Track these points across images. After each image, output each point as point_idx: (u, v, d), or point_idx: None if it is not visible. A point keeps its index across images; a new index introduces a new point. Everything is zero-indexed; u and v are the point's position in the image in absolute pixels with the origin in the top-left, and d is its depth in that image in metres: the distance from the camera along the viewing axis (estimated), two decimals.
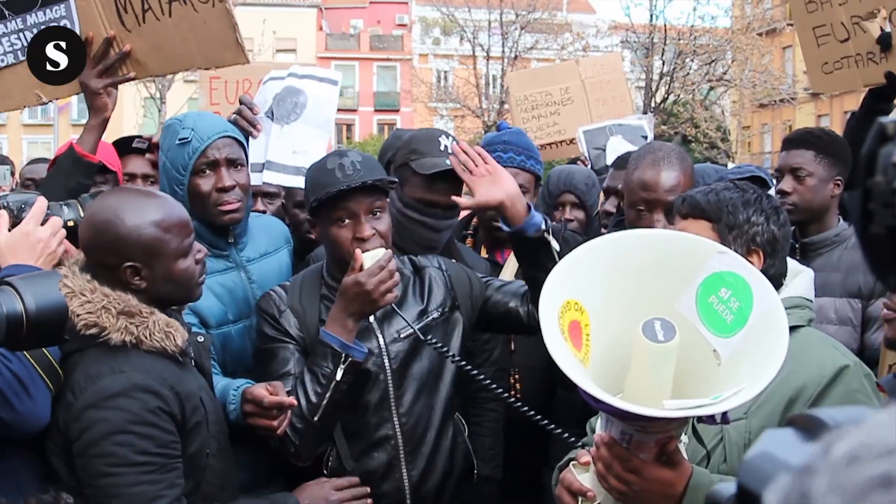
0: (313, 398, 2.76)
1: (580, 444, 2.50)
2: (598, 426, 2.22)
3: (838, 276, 3.74)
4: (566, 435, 2.57)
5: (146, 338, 2.41)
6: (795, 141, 4.09)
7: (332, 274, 2.99)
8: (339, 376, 2.75)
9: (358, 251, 2.77)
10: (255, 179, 3.26)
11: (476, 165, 2.97)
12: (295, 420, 2.77)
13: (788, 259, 2.56)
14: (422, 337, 2.93)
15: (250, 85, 4.67)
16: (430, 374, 3.00)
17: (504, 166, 3.64)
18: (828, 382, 2.27)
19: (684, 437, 2.19)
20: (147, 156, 4.18)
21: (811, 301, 2.54)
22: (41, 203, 2.37)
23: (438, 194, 3.22)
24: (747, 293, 2.02)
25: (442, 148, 3.23)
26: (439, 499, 3.00)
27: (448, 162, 3.13)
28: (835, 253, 3.84)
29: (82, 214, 2.44)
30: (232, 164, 3.09)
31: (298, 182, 3.26)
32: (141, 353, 2.42)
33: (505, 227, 2.96)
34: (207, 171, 3.06)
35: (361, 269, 2.75)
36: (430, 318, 3.01)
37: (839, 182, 3.94)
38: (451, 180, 3.15)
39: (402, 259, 3.13)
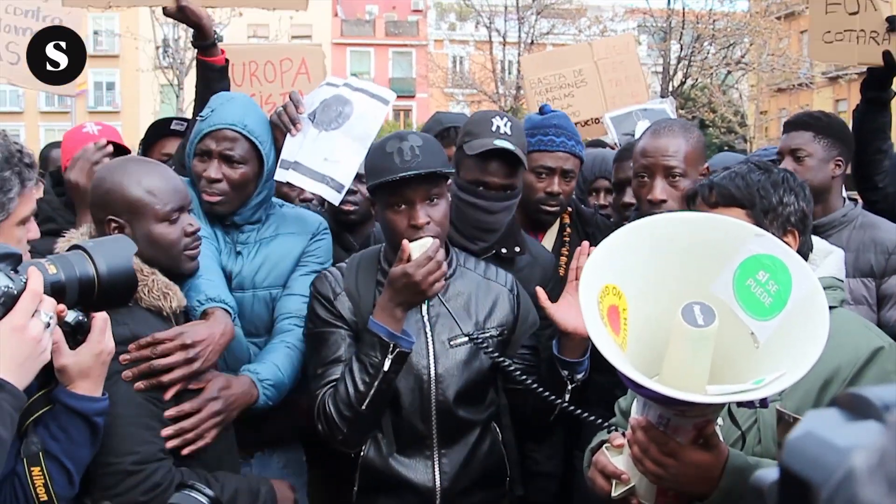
0: (361, 387, 2.76)
1: (611, 426, 2.50)
2: (634, 409, 2.21)
3: (849, 256, 3.74)
4: (599, 421, 2.57)
5: (145, 294, 2.59)
6: (794, 123, 4.14)
7: (388, 258, 2.98)
8: (387, 366, 2.74)
9: (405, 241, 2.75)
10: (281, 176, 3.26)
11: (577, 277, 2.89)
12: (343, 408, 2.78)
13: (819, 239, 2.54)
14: (477, 342, 2.92)
15: (256, 67, 4.64)
16: (476, 384, 2.98)
17: (555, 151, 3.66)
18: (863, 364, 2.26)
19: (719, 420, 2.19)
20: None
21: (842, 281, 2.51)
22: (104, 319, 2.24)
23: (490, 175, 3.21)
24: (786, 276, 2.01)
25: (494, 129, 3.22)
26: (467, 501, 2.98)
27: (497, 143, 3.13)
28: (843, 234, 3.86)
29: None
30: (226, 159, 3.19)
31: (319, 190, 3.24)
32: (141, 308, 2.59)
33: (555, 350, 2.92)
34: (204, 157, 3.23)
35: (409, 259, 2.74)
36: (487, 333, 2.98)
37: (840, 163, 3.98)
38: (504, 161, 3.15)
39: (475, 263, 3.13)
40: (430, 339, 2.95)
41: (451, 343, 2.95)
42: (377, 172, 2.86)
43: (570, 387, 2.90)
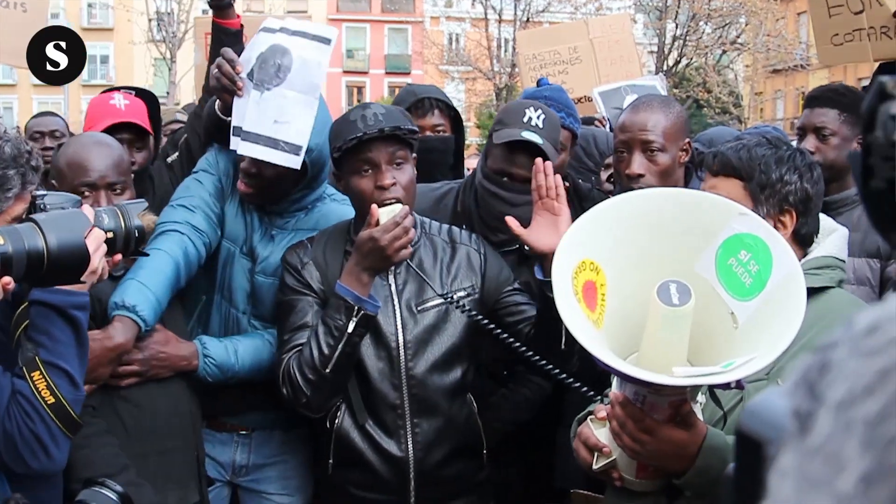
0: (325, 350, 2.77)
1: (599, 397, 2.49)
2: (614, 384, 2.21)
3: (858, 235, 3.69)
4: (584, 389, 2.55)
5: None
6: (820, 99, 4.00)
7: (358, 229, 2.96)
8: (350, 328, 2.76)
9: (374, 206, 2.76)
10: (234, 145, 3.09)
11: (548, 196, 2.90)
12: (307, 371, 2.79)
13: (824, 217, 2.50)
14: (450, 300, 2.91)
15: (245, 39, 4.61)
16: (447, 349, 2.98)
17: None
18: None
19: (701, 398, 2.18)
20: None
21: (843, 261, 2.47)
22: (89, 213, 2.25)
23: (516, 166, 3.18)
24: (767, 257, 2.00)
25: (525, 119, 3.17)
26: (443, 472, 2.98)
27: (525, 135, 3.10)
28: (854, 212, 3.79)
29: (123, 225, 2.35)
30: (253, 160, 3.08)
31: (272, 156, 3.02)
32: None
33: (538, 274, 2.88)
34: None
35: (377, 223, 2.75)
36: (454, 294, 2.97)
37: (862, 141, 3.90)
38: (531, 153, 3.10)
39: (439, 227, 3.13)
40: (397, 307, 2.96)
41: (419, 308, 2.96)
42: (341, 138, 2.86)
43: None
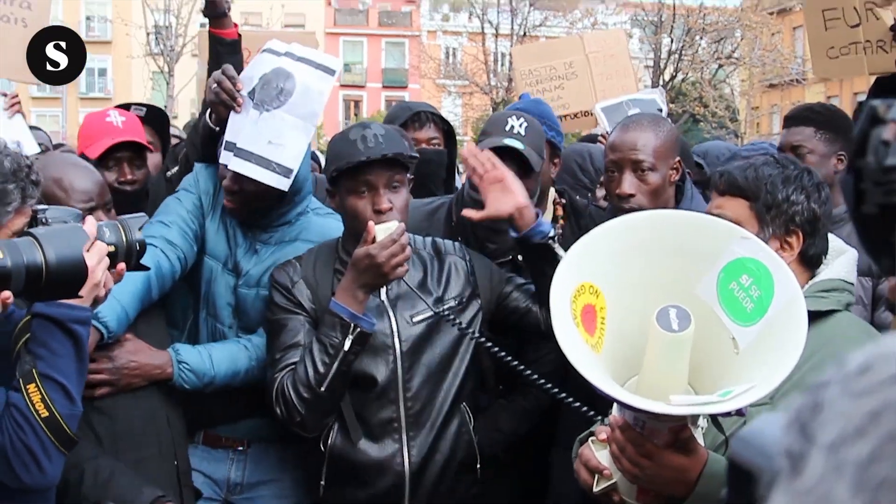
0: (321, 368, 2.77)
1: (599, 417, 2.47)
2: (615, 407, 2.19)
3: None
4: (585, 409, 2.53)
5: None
6: (795, 118, 4.06)
7: (347, 247, 2.99)
8: (347, 346, 2.75)
9: (371, 223, 2.77)
10: (224, 159, 3.11)
11: (486, 170, 2.97)
12: (302, 389, 2.79)
13: (834, 238, 2.47)
14: (443, 315, 2.93)
15: (249, 54, 4.57)
16: (442, 361, 2.99)
17: None
18: None
19: (703, 422, 2.17)
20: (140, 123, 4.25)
21: (852, 284, 2.43)
22: (91, 226, 2.25)
23: None
24: (769, 282, 1.99)
25: (507, 128, 3.21)
26: (438, 486, 2.98)
27: (507, 142, 3.13)
28: (843, 230, 3.78)
29: (125, 239, 2.34)
30: (235, 176, 3.11)
31: (262, 175, 3.04)
32: None
33: (512, 233, 2.97)
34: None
35: (374, 241, 2.76)
36: (445, 305, 2.99)
37: (842, 157, 3.90)
38: (514, 160, 3.13)
39: (423, 241, 3.15)
40: (392, 319, 2.97)
41: (414, 320, 2.97)
42: (340, 158, 2.87)
43: (553, 244, 2.91)
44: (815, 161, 3.85)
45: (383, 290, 2.98)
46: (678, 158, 3.45)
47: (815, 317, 2.15)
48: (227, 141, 3.11)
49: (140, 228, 2.41)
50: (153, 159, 4.16)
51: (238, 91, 3.13)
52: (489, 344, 2.86)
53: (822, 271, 2.38)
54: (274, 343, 2.97)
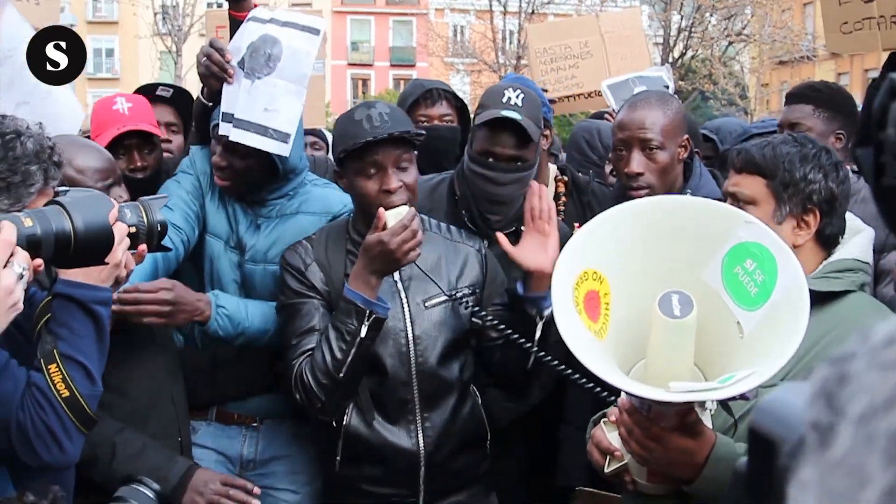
0: (338, 354, 2.78)
1: (613, 398, 2.45)
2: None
3: None
4: (598, 389, 2.54)
5: None
6: (795, 96, 4.09)
7: (357, 228, 3.00)
8: (363, 333, 2.76)
9: (381, 209, 2.77)
10: (224, 131, 3.13)
11: (540, 217, 2.94)
12: (320, 376, 2.80)
13: (851, 217, 2.45)
14: (455, 298, 2.95)
15: None
16: (454, 344, 3.00)
17: None
18: None
19: (711, 405, 2.18)
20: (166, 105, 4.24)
21: (867, 263, 2.43)
22: (113, 210, 2.24)
23: (499, 145, 3.19)
24: (772, 266, 1.99)
25: (504, 100, 3.19)
26: (451, 464, 3.01)
27: (504, 113, 3.12)
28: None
29: (146, 220, 2.34)
30: (228, 147, 3.14)
31: (261, 143, 3.08)
32: None
33: (519, 287, 2.93)
34: (217, 141, 3.21)
35: (385, 227, 2.76)
36: (459, 293, 3.00)
37: (841, 136, 3.92)
38: (513, 131, 3.14)
39: (440, 226, 3.16)
40: (405, 303, 2.98)
41: (427, 304, 2.98)
42: (347, 138, 2.88)
43: (539, 322, 2.87)
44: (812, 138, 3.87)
45: (396, 274, 2.99)
46: (686, 136, 3.45)
47: (829, 297, 2.15)
48: (224, 112, 3.14)
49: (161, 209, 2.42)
50: (177, 140, 4.17)
51: (228, 62, 3.16)
52: (502, 326, 2.87)
53: (838, 250, 2.36)
54: (289, 327, 2.97)
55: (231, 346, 3.19)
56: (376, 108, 2.90)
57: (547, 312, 2.85)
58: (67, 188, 2.28)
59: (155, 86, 4.41)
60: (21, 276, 1.95)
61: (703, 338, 1.99)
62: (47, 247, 2.05)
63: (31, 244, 2.01)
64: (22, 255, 1.96)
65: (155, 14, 31.85)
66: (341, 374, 2.79)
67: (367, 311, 2.77)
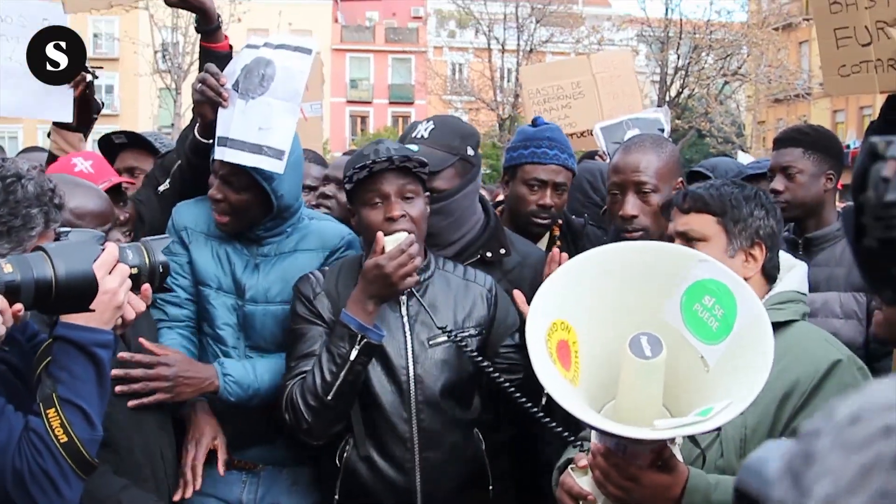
0: (328, 377, 2.80)
1: (578, 442, 2.51)
2: (594, 436, 2.24)
3: (842, 270, 3.76)
4: (566, 434, 2.58)
5: None
6: (784, 140, 4.14)
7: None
8: (353, 356, 2.78)
9: (380, 234, 2.81)
10: (219, 154, 3.14)
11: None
12: (309, 398, 2.82)
13: (782, 253, 2.61)
14: (455, 340, 2.95)
15: None
16: (457, 384, 3.00)
17: (548, 163, 3.68)
18: (821, 377, 2.31)
19: (679, 439, 2.22)
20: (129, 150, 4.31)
21: (805, 294, 2.57)
22: (112, 250, 2.24)
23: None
24: (730, 300, 2.06)
25: (414, 134, 3.30)
26: None
27: (414, 148, 3.16)
28: (837, 247, 3.86)
29: (147, 261, 2.34)
30: (225, 180, 3.16)
31: (256, 161, 3.07)
32: None
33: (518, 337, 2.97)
34: (214, 174, 3.22)
35: (383, 251, 2.78)
36: (465, 333, 3.02)
37: (831, 176, 3.99)
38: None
39: (454, 266, 3.17)
40: (409, 339, 2.98)
41: (430, 343, 2.99)
42: (352, 169, 2.92)
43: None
44: (805, 181, 3.93)
45: (404, 310, 3.00)
46: (681, 179, 3.46)
47: (775, 328, 2.24)
48: (218, 137, 3.15)
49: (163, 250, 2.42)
50: (139, 184, 4.16)
51: (223, 85, 3.18)
52: (490, 368, 2.89)
53: (776, 285, 2.51)
54: (291, 351, 3.01)
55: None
56: (384, 144, 2.98)
57: None
58: (69, 230, 2.28)
59: (108, 135, 4.44)
60: None
61: (666, 376, 2.04)
62: (27, 293, 2.05)
63: (10, 290, 2.02)
64: None
65: (155, 52, 32.04)
66: (329, 397, 2.80)
67: (359, 336, 2.78)
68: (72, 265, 2.11)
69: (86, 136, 4.18)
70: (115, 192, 3.56)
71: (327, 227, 3.41)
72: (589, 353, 2.11)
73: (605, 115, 6.03)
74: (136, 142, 4.36)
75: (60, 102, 4.03)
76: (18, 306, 2.03)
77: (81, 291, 2.13)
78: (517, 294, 3.00)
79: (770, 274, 2.49)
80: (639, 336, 1.99)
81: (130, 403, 2.91)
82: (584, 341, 2.11)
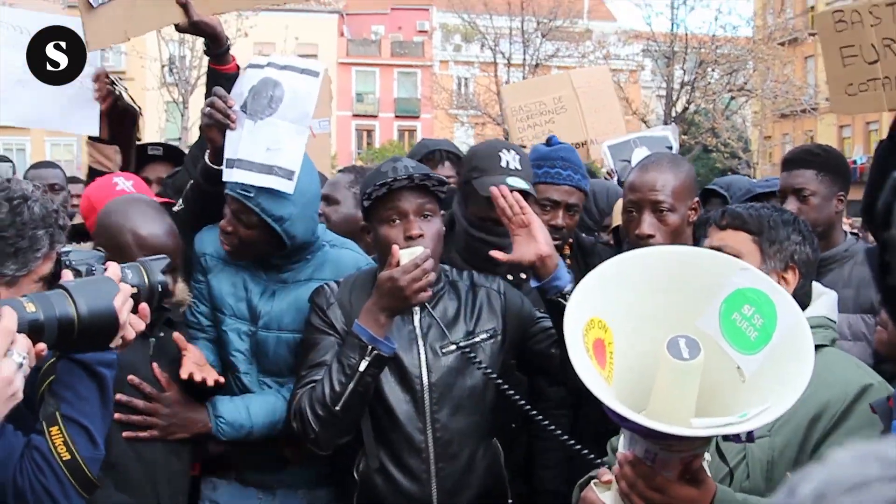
0: (337, 387, 2.80)
1: (601, 462, 2.50)
2: (621, 445, 2.22)
3: (850, 291, 3.74)
4: (586, 451, 2.58)
5: None
6: (795, 161, 4.09)
7: None
8: (363, 368, 2.78)
9: (395, 247, 2.81)
10: (227, 176, 3.14)
11: (514, 213, 2.98)
12: (317, 407, 2.82)
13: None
14: (464, 351, 2.96)
15: None
16: (471, 393, 3.00)
17: (561, 184, 3.67)
18: (851, 401, 2.28)
19: (707, 456, 2.20)
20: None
21: (834, 322, 2.55)
22: (115, 270, 2.24)
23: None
24: (771, 310, 2.03)
25: (503, 164, 3.23)
26: None
27: (511, 182, 3.14)
28: (845, 269, 3.84)
29: (147, 280, 2.34)
30: (236, 216, 3.16)
31: (266, 181, 3.08)
32: None
33: (533, 283, 2.97)
34: (227, 204, 3.21)
35: (398, 264, 2.78)
36: (477, 338, 3.02)
37: (841, 198, 3.98)
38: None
39: (461, 274, 3.17)
40: (422, 350, 2.99)
41: (443, 351, 2.99)
42: (372, 188, 2.93)
43: (565, 301, 2.82)
44: (817, 203, 3.90)
45: (416, 320, 3.01)
46: (697, 199, 3.46)
47: None
48: (227, 159, 3.15)
49: (162, 270, 2.41)
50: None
51: (230, 107, 3.19)
52: (504, 385, 2.89)
53: (808, 310, 2.47)
54: (303, 360, 3.02)
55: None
56: (402, 162, 2.99)
57: (567, 288, 2.88)
58: (69, 248, 2.28)
59: (145, 146, 4.45)
60: (20, 366, 1.91)
61: (701, 386, 2.01)
62: (50, 332, 2.03)
63: (34, 329, 1.99)
64: (22, 343, 1.92)
65: (162, 66, 32.12)
66: (337, 408, 2.80)
67: (370, 347, 2.79)
68: (93, 302, 2.09)
69: (128, 147, 4.18)
70: None
71: (345, 257, 3.40)
72: (623, 355, 2.09)
73: (588, 129, 6.10)
74: (169, 154, 4.37)
75: (86, 116, 4.05)
76: (41, 346, 2.00)
77: (103, 329, 2.12)
78: (494, 252, 3.02)
79: (801, 301, 2.42)
80: (677, 338, 1.98)
81: (125, 434, 2.92)
82: (620, 343, 2.09)
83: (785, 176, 4.07)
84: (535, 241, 2.93)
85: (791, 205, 3.89)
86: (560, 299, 2.85)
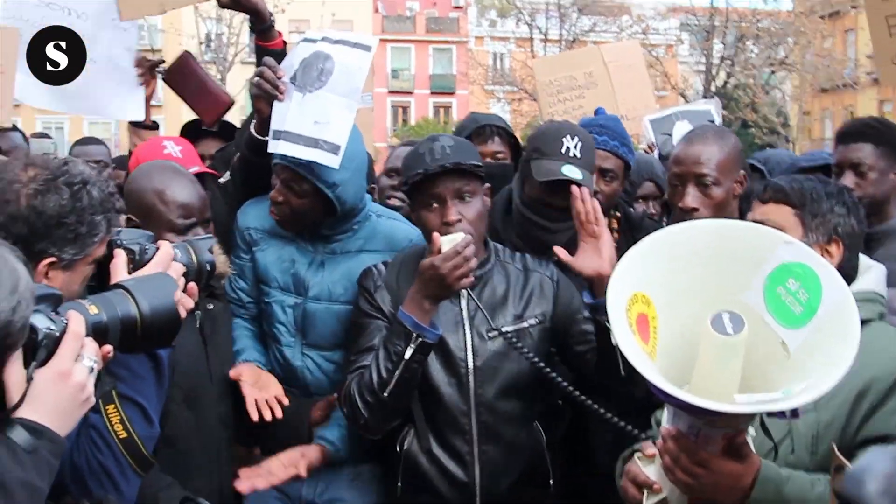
0: (384, 374, 2.80)
1: (644, 436, 2.49)
2: (665, 419, 2.20)
3: None
4: (630, 428, 2.56)
5: None
6: (853, 134, 3.95)
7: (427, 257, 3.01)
8: (408, 355, 2.78)
9: (436, 234, 2.80)
10: (273, 148, 3.12)
11: (588, 221, 2.96)
12: (366, 393, 2.83)
13: (860, 255, 2.53)
14: (507, 338, 2.94)
15: None
16: (516, 377, 2.99)
17: (596, 149, 3.56)
18: None
19: (752, 430, 2.17)
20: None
21: (883, 296, 2.50)
22: (167, 249, 2.26)
23: (555, 198, 3.18)
24: (816, 284, 2.00)
25: (564, 150, 3.18)
26: (509, 501, 2.99)
27: (565, 171, 3.11)
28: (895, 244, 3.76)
29: (195, 260, 2.35)
30: (286, 184, 3.16)
31: (312, 155, 3.05)
32: None
33: (586, 297, 2.94)
34: (275, 175, 3.21)
35: (439, 252, 2.78)
36: (525, 323, 3.02)
37: None
38: (570, 186, 3.10)
39: (513, 256, 3.15)
40: (468, 333, 2.99)
41: (490, 335, 2.98)
42: (409, 171, 2.93)
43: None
44: (875, 178, 3.78)
45: (463, 303, 3.01)
46: (742, 172, 3.41)
47: None
48: (273, 130, 3.14)
49: (209, 250, 2.42)
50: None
51: (279, 78, 3.17)
52: (547, 369, 2.87)
53: (853, 284, 2.41)
54: (352, 345, 3.03)
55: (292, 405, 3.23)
56: (439, 142, 2.95)
57: None
58: (120, 229, 2.28)
59: (197, 121, 4.46)
60: (91, 370, 1.91)
61: (744, 361, 1.99)
62: (114, 333, 2.01)
63: (98, 331, 1.97)
64: (91, 348, 1.92)
65: (200, 43, 32.27)
66: (385, 394, 2.81)
67: (414, 335, 2.79)
68: (154, 301, 2.08)
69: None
70: (199, 181, 3.64)
71: (396, 229, 3.38)
72: (666, 330, 2.07)
73: (619, 105, 6.01)
74: (223, 129, 4.39)
75: (132, 102, 4.08)
76: (108, 348, 2.00)
77: (166, 326, 2.11)
78: (557, 248, 2.99)
79: (847, 274, 2.36)
80: (721, 313, 1.95)
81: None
82: (663, 318, 2.07)
83: (841, 150, 3.93)
84: (599, 256, 2.91)
85: (848, 179, 3.77)
86: (608, 323, 2.82)
